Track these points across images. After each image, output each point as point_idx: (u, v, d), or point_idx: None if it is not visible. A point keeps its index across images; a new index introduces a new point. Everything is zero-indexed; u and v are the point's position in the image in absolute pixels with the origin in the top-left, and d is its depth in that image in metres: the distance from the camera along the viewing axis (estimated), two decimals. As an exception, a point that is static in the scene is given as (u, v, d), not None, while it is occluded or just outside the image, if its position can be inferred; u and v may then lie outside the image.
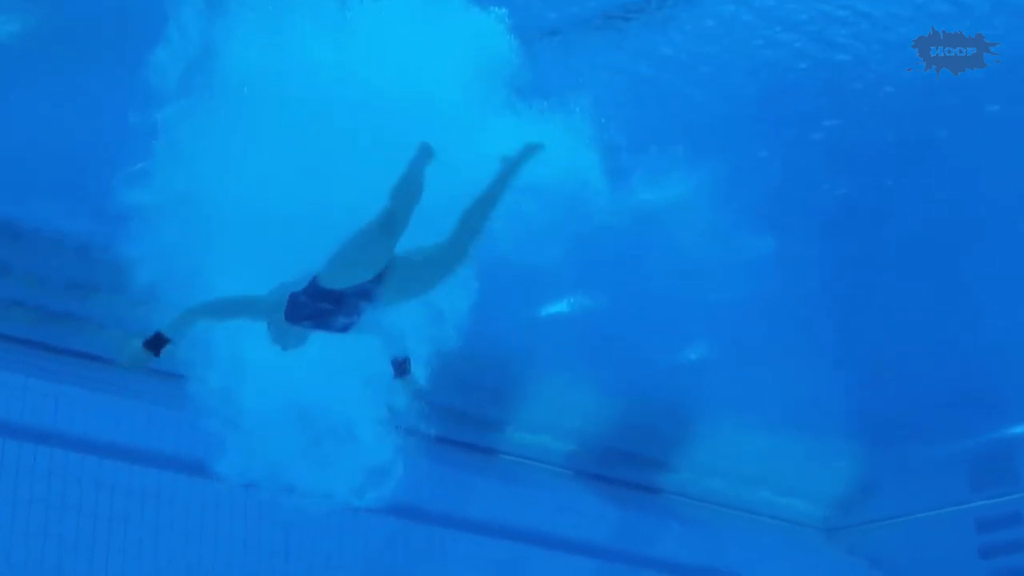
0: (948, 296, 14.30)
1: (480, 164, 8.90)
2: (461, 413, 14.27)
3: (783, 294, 13.97)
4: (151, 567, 12.29)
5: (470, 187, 8.81)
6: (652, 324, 14.15)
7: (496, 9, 9.63)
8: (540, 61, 10.22)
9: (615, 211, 10.33)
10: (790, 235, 13.29)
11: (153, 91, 9.64)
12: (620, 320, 14.02)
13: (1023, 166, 12.66)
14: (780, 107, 12.03)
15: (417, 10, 9.45)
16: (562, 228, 10.48)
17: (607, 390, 15.12)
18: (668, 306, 13.89)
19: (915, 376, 15.27)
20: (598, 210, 9.99)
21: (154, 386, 12.71)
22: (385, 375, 9.17)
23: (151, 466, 12.56)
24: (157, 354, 8.36)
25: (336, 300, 8.18)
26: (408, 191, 8.30)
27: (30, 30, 10.95)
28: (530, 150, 8.63)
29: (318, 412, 9.94)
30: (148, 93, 9.64)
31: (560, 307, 13.89)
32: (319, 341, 8.75)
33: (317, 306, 8.16)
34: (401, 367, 8.47)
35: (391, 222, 8.24)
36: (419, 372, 9.15)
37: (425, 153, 8.41)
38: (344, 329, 8.26)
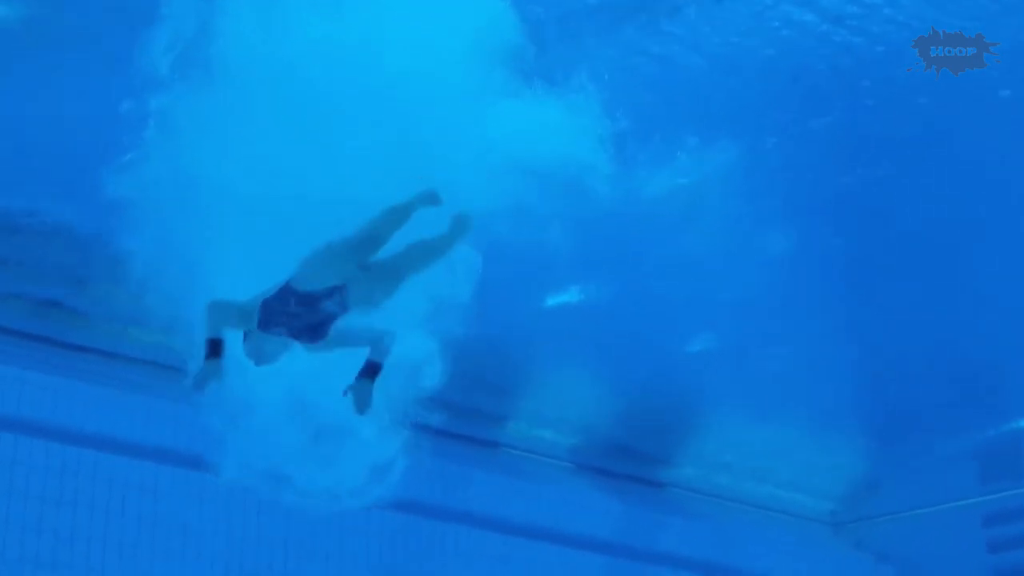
0: (955, 290, 14.23)
1: (481, 146, 8.77)
2: (463, 406, 14.17)
3: (790, 287, 13.91)
4: (148, 562, 12.22)
5: (471, 170, 8.68)
6: (657, 317, 14.11)
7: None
8: (547, 45, 10.09)
9: (620, 200, 10.23)
10: (798, 228, 13.26)
11: (148, 78, 9.56)
12: (624, 312, 13.99)
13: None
14: (788, 96, 11.97)
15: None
16: (566, 217, 10.39)
17: (611, 383, 15.06)
18: (673, 298, 13.84)
19: (923, 369, 15.21)
20: (603, 199, 9.89)
21: (152, 379, 12.82)
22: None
23: (149, 460, 12.48)
24: (219, 356, 8.34)
25: (307, 302, 8.30)
26: (395, 220, 8.54)
27: (21, 17, 10.83)
28: (466, 224, 8.81)
29: (318, 407, 9.96)
30: (144, 80, 9.56)
31: (564, 298, 13.85)
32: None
33: (288, 309, 8.26)
34: (370, 370, 8.35)
35: (371, 241, 8.49)
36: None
37: (429, 198, 8.63)
38: (316, 337, 8.35)
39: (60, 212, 12.06)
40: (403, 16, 9.12)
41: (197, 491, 12.45)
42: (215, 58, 9.40)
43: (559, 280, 13.61)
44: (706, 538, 15.62)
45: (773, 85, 11.77)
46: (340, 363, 8.96)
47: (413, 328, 9.91)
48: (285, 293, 8.35)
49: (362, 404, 8.28)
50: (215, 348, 8.34)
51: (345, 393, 8.27)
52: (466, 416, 14.48)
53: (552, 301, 13.85)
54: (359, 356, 8.66)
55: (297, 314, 8.31)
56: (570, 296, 13.81)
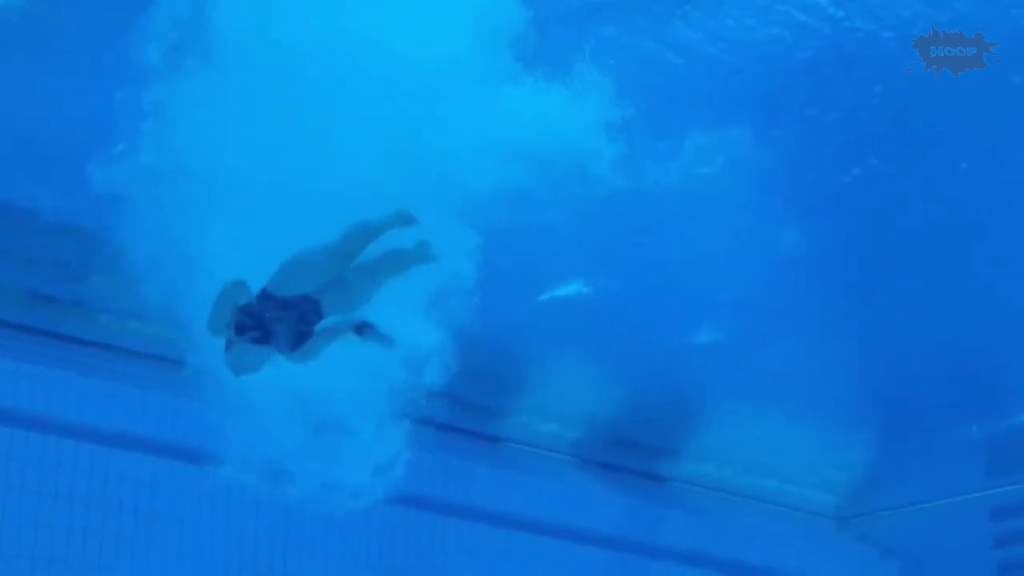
0: (959, 284, 14.25)
1: (484, 133, 8.66)
2: (464, 400, 14.18)
3: (794, 278, 13.90)
4: (146, 557, 12.15)
5: (473, 156, 8.57)
6: (660, 310, 14.11)
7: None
8: (552, 31, 9.99)
9: (624, 191, 10.15)
10: (802, 223, 13.27)
11: (144, 67, 9.48)
12: (628, 305, 13.99)
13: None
14: (796, 88, 11.95)
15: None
16: (569, 208, 10.31)
17: (613, 377, 15.04)
18: (676, 292, 13.87)
19: (928, 362, 15.20)
20: (607, 189, 9.81)
21: (151, 372, 12.72)
22: (383, 361, 9.24)
23: (148, 454, 12.38)
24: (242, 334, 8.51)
25: (282, 306, 8.46)
26: (368, 235, 8.65)
27: (16, 6, 10.74)
28: (426, 254, 8.95)
29: (319, 402, 10.03)
30: (139, 69, 9.48)
31: (566, 291, 13.85)
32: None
33: (264, 313, 8.41)
34: (362, 328, 8.62)
35: (340, 255, 8.60)
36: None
37: (403, 218, 8.72)
38: (294, 343, 8.52)
39: (56, 204, 11.99)
40: (405, 1, 9.00)
41: (195, 485, 12.37)
42: (212, 46, 9.31)
43: (561, 272, 13.61)
44: (709, 533, 15.54)
45: (781, 76, 11.78)
46: (340, 356, 8.97)
47: (414, 320, 9.83)
48: (262, 298, 8.48)
49: (380, 339, 8.54)
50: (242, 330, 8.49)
51: (361, 331, 8.49)
52: (467, 410, 14.47)
53: (554, 294, 13.85)
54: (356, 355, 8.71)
55: (274, 319, 8.43)
56: (573, 289, 13.81)
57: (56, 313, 12.82)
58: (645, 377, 14.98)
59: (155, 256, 9.99)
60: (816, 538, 16.44)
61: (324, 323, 8.55)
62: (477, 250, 10.06)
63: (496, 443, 15.03)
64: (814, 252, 13.59)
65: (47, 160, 11.52)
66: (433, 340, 10.28)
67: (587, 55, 9.69)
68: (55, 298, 12.76)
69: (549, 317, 13.97)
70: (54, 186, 11.82)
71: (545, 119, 9.10)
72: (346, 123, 8.78)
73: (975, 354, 15.11)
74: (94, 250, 11.74)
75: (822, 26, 11.45)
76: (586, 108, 9.42)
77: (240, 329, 8.43)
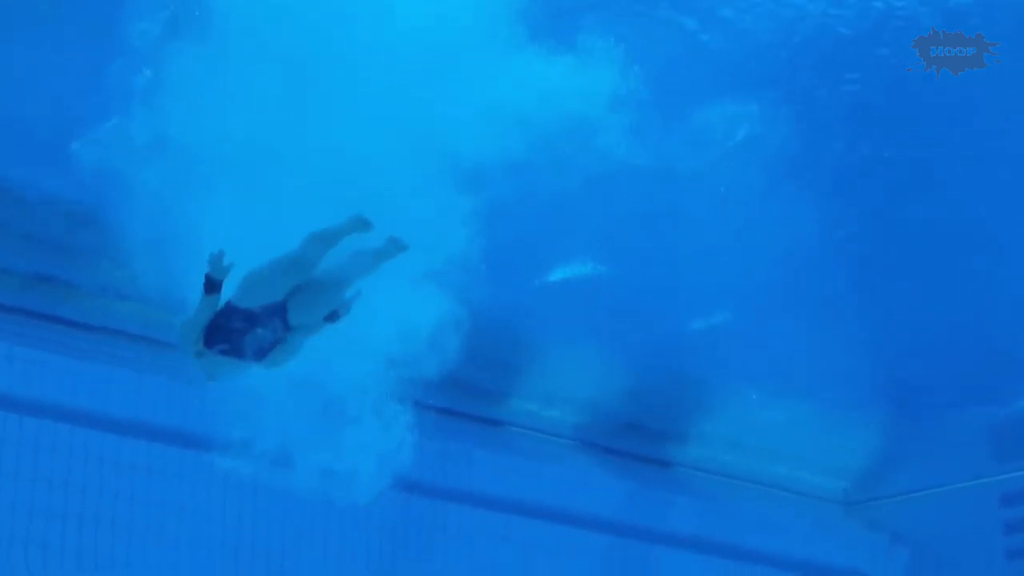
0: (973, 264, 14.17)
1: (490, 103, 8.50)
2: (464, 383, 14.02)
3: (802, 261, 13.81)
4: (141, 543, 12.10)
5: (478, 127, 8.41)
6: (665, 291, 14.03)
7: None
8: (560, 2, 9.80)
9: (630, 169, 10.05)
10: (811, 202, 13.16)
11: (140, 38, 9.36)
12: (632, 287, 13.92)
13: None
14: (808, 63, 11.82)
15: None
16: (573, 187, 10.20)
17: (617, 359, 14.96)
18: (683, 272, 13.77)
19: (938, 345, 15.11)
20: (613, 168, 9.69)
21: (146, 355, 12.61)
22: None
23: (143, 438, 12.33)
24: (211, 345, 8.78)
25: (248, 318, 8.62)
26: (324, 244, 8.80)
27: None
28: (399, 247, 9.11)
29: (320, 386, 10.03)
30: (135, 41, 9.36)
31: (569, 272, 13.77)
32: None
33: (231, 325, 8.59)
34: (331, 317, 8.92)
35: (301, 263, 8.76)
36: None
37: (359, 224, 8.85)
38: (262, 352, 8.73)
39: (50, 184, 11.91)
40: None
41: (192, 471, 12.30)
42: (209, 19, 9.19)
43: (566, 254, 13.54)
44: (714, 518, 15.50)
45: (792, 51, 11.63)
46: (345, 340, 9.03)
47: (416, 300, 9.75)
48: (227, 311, 8.62)
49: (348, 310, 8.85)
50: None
51: (332, 319, 8.79)
52: (468, 393, 14.40)
53: (558, 275, 13.78)
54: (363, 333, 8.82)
55: (241, 330, 8.62)
56: (577, 270, 13.74)
57: (51, 295, 12.74)
58: (650, 359, 14.91)
59: (151, 237, 9.98)
60: (824, 524, 16.36)
61: (293, 327, 8.72)
62: (480, 230, 9.97)
63: (497, 427, 14.95)
64: (822, 235, 13.55)
65: (40, 139, 11.41)
66: (435, 321, 10.17)
67: (596, 26, 9.52)
68: (50, 280, 12.69)
69: (553, 299, 13.91)
70: (48, 165, 11.72)
71: (552, 91, 8.97)
72: (350, 93, 8.67)
73: (986, 338, 15.02)
74: (89, 231, 11.73)
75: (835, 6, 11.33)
76: (594, 81, 9.27)
77: (209, 342, 8.61)
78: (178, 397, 11.96)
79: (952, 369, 15.36)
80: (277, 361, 8.79)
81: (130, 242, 10.20)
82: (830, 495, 16.67)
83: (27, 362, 12.05)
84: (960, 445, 16.14)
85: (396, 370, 10.27)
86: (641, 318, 14.29)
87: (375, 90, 8.66)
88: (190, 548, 12.28)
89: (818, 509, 16.54)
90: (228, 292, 8.68)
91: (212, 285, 8.47)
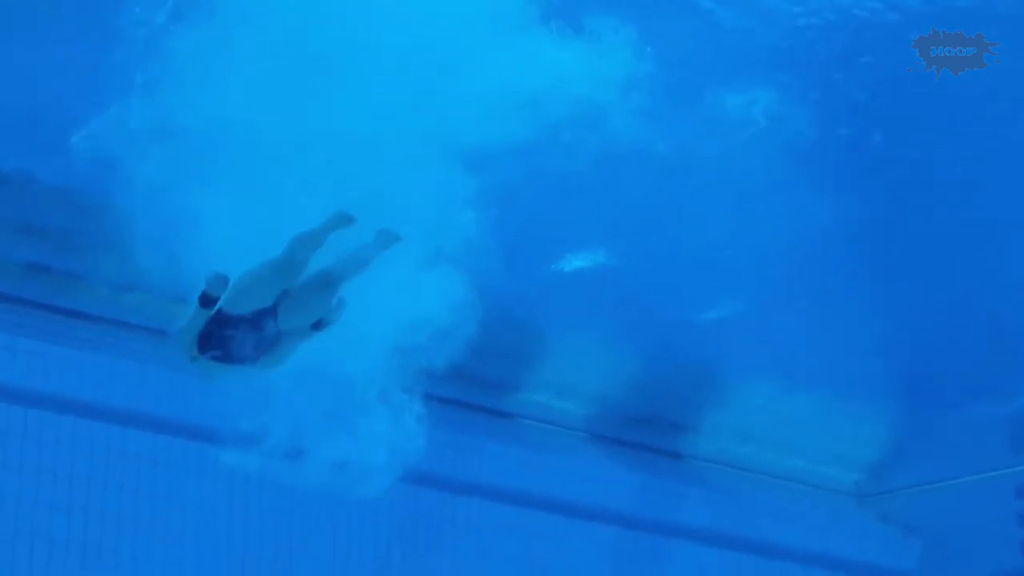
0: (988, 253, 14.10)
1: (497, 85, 8.38)
2: (473, 375, 13.88)
3: (815, 250, 13.77)
4: (145, 535, 12.05)
5: (486, 111, 8.31)
6: (676, 281, 13.95)
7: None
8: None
9: (640, 155, 9.95)
10: (823, 190, 13.09)
11: (143, 22, 9.28)
12: (642, 276, 13.84)
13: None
14: (823, 49, 11.70)
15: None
16: (582, 173, 10.12)
17: (627, 350, 14.90)
18: (693, 262, 13.70)
19: (953, 335, 15.02)
20: (623, 153, 9.58)
21: (150, 346, 12.53)
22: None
23: (147, 430, 12.28)
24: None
25: (239, 325, 8.76)
26: (310, 245, 8.88)
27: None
28: (392, 239, 9.16)
29: (329, 378, 9.92)
30: (138, 25, 9.28)
31: (579, 262, 13.72)
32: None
33: (223, 333, 8.71)
34: (318, 325, 9.06)
35: (289, 266, 8.85)
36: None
37: (341, 219, 8.92)
38: (255, 357, 8.88)
39: (49, 171, 11.84)
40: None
41: (197, 463, 12.26)
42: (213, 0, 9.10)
43: (575, 243, 13.49)
44: (725, 511, 15.43)
45: (808, 36, 11.47)
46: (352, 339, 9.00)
47: (422, 291, 9.66)
48: (219, 319, 8.75)
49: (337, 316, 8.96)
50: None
51: (318, 327, 8.94)
52: (476, 385, 14.34)
53: (568, 264, 13.73)
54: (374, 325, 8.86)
55: (233, 337, 8.74)
56: (587, 259, 13.70)
57: (52, 285, 12.69)
58: (660, 350, 14.86)
59: (155, 227, 9.95)
60: (836, 516, 16.25)
61: (284, 332, 8.87)
62: (488, 219, 9.91)
63: (506, 418, 14.90)
64: (835, 225, 13.48)
65: (40, 128, 11.35)
66: (444, 311, 10.13)
67: (607, 7, 9.41)
68: (51, 269, 12.64)
69: (562, 289, 13.86)
70: (48, 155, 11.59)
71: (561, 74, 8.87)
72: (352, 78, 8.59)
73: (999, 329, 14.96)
74: (91, 221, 11.63)
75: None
76: (605, 64, 9.17)
77: (202, 348, 8.76)
78: (182, 388, 11.83)
79: (966, 360, 15.28)
80: (270, 365, 8.94)
81: (133, 232, 10.11)
82: (843, 487, 16.60)
83: (30, 353, 11.99)
84: (974, 437, 16.06)
85: (405, 360, 10.21)
86: (652, 308, 14.22)
87: (380, 73, 8.59)
88: (196, 541, 12.22)
89: (831, 501, 16.46)
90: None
91: (208, 301, 8.61)
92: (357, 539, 13.06)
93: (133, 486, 12.08)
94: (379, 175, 8.85)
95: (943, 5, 11.16)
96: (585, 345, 14.68)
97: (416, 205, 9.09)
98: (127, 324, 12.81)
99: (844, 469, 16.52)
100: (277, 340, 8.81)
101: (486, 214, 9.86)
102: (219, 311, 8.75)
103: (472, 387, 14.18)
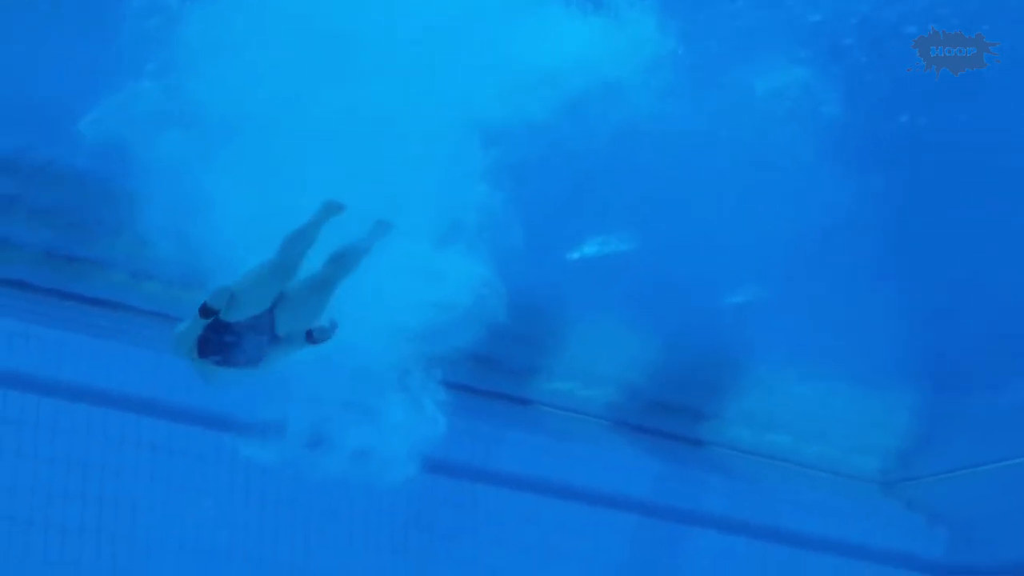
0: (1016, 236, 14.01)
1: (516, 61, 8.22)
2: (493, 362, 14.04)
3: (838, 232, 13.68)
4: (161, 523, 12.04)
5: (503, 88, 8.16)
6: (698, 266, 13.90)
7: None
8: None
9: (662, 137, 9.81)
10: (848, 173, 13.01)
11: (156, 8, 9.16)
12: (664, 261, 13.80)
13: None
14: (844, 28, 11.42)
15: None
16: (605, 157, 9.98)
17: (649, 336, 14.83)
18: (716, 245, 13.66)
19: (980, 321, 14.90)
20: (644, 134, 9.44)
21: (163, 333, 12.38)
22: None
23: (163, 418, 12.27)
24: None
25: (236, 332, 8.87)
26: (303, 242, 8.95)
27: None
28: (386, 228, 9.21)
29: (349, 367, 9.94)
30: (148, 4, 9.16)
31: (599, 247, 13.67)
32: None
33: (222, 339, 8.83)
34: (310, 336, 9.10)
35: (283, 268, 8.94)
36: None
37: (331, 209, 8.96)
38: (255, 361, 9.00)
39: (63, 156, 11.81)
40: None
41: (212, 450, 12.25)
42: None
43: (594, 226, 13.41)
44: (748, 498, 15.33)
45: (834, 13, 11.24)
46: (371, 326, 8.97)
47: (443, 276, 9.55)
48: (217, 326, 8.85)
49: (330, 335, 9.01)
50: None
51: (311, 338, 8.97)
52: (496, 372, 14.33)
53: (587, 249, 13.68)
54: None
55: (231, 343, 8.86)
56: (606, 243, 13.63)
57: (67, 272, 12.67)
58: (683, 337, 14.80)
59: (170, 211, 9.95)
60: (861, 504, 16.13)
61: (281, 337, 8.97)
62: (507, 204, 9.79)
63: (526, 406, 14.85)
64: (861, 207, 13.37)
65: (53, 112, 11.26)
66: (461, 298, 10.01)
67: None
68: (66, 256, 12.61)
69: (583, 274, 13.82)
70: (62, 139, 11.51)
71: (582, 51, 8.70)
72: (369, 54, 8.45)
73: (1026, 314, 14.86)
74: (106, 206, 11.72)
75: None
76: (627, 40, 9.00)
77: (201, 353, 8.89)
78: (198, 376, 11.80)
79: (992, 346, 15.15)
80: (269, 367, 9.03)
81: (149, 218, 10.10)
82: (868, 475, 16.49)
83: (44, 341, 11.98)
84: (1000, 423, 15.87)
85: (425, 348, 10.14)
86: (673, 293, 14.16)
87: (397, 50, 8.45)
88: (211, 530, 12.18)
89: (855, 489, 16.35)
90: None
91: (207, 312, 8.70)
92: (375, 527, 13.03)
93: (148, 474, 12.07)
94: (396, 157, 8.72)
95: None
96: (605, 331, 14.61)
97: (433, 187, 8.96)
98: (143, 311, 12.80)
99: (869, 456, 16.40)
100: (274, 345, 8.91)
101: (506, 198, 9.75)
102: (217, 319, 8.84)
103: (491, 374, 14.15)
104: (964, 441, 16.14)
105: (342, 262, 9.01)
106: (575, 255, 13.65)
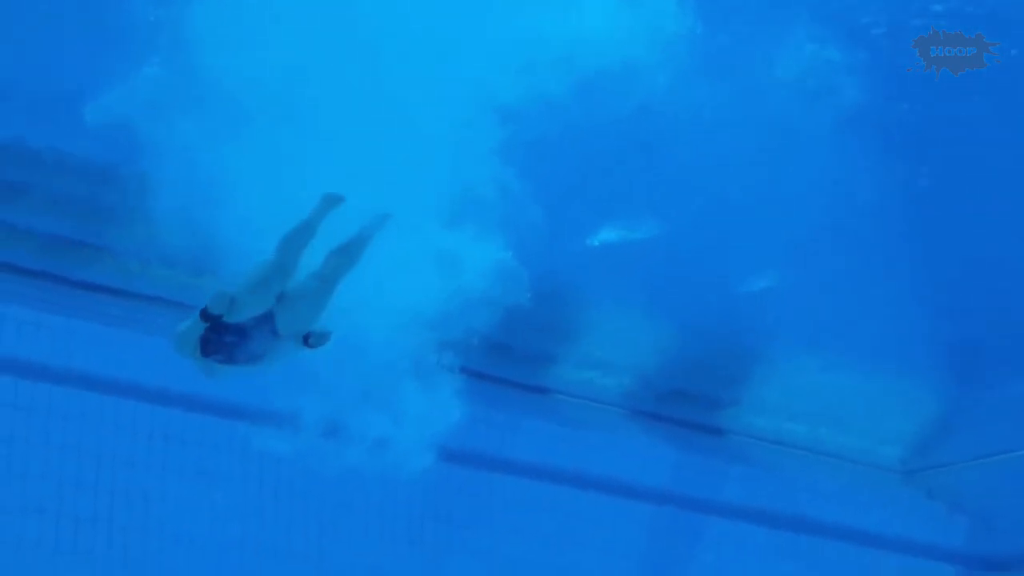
0: None
1: (531, 41, 8.09)
2: (509, 349, 13.94)
3: (858, 217, 13.63)
4: (174, 513, 11.97)
5: (519, 69, 8.02)
6: (716, 253, 13.87)
7: None
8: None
9: (679, 120, 9.66)
10: (866, 158, 12.98)
11: None
12: (682, 248, 13.76)
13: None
14: (868, 5, 11.27)
15: None
16: (622, 141, 9.84)
17: (667, 323, 14.73)
18: (735, 231, 13.59)
19: (999, 308, 14.86)
20: (661, 118, 9.29)
21: (177, 321, 12.32)
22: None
23: (176, 407, 12.18)
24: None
25: (238, 332, 8.94)
26: (302, 238, 9.03)
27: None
28: (383, 219, 9.25)
29: (364, 354, 9.94)
30: None
31: (616, 232, 13.58)
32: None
33: (223, 340, 8.92)
34: (307, 340, 9.18)
35: (283, 267, 9.01)
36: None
37: (331, 202, 9.01)
38: (256, 359, 9.10)
39: (74, 141, 11.65)
40: None
41: (226, 440, 12.17)
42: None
43: (611, 211, 13.30)
44: (766, 487, 15.25)
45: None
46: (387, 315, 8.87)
47: (457, 260, 9.45)
48: (218, 327, 8.93)
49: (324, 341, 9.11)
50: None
51: (308, 341, 9.05)
52: (512, 360, 14.24)
53: (603, 235, 13.60)
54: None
55: (232, 343, 8.95)
56: (623, 229, 13.54)
57: (78, 260, 12.57)
58: (701, 324, 14.69)
59: (182, 196, 9.91)
60: (881, 493, 16.06)
61: (282, 336, 9.03)
62: (523, 186, 9.65)
63: (543, 394, 14.76)
64: (882, 193, 13.36)
65: (62, 97, 11.18)
66: (477, 285, 9.91)
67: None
68: (78, 244, 12.51)
69: (599, 260, 13.72)
70: (72, 125, 11.36)
71: (599, 29, 8.55)
72: (382, 33, 8.31)
73: (1050, 300, 14.78)
74: (118, 192, 11.56)
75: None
76: (646, 17, 8.84)
77: (204, 352, 8.96)
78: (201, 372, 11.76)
79: (1013, 333, 15.09)
80: (271, 365, 9.14)
81: (159, 203, 10.10)
82: (887, 463, 16.38)
83: (56, 329, 11.89)
84: (1021, 411, 15.75)
85: (440, 336, 10.03)
86: (691, 279, 14.10)
87: (413, 27, 8.31)
88: (225, 520, 12.11)
89: (875, 477, 16.25)
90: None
91: (208, 316, 8.77)
92: (390, 517, 12.97)
93: (160, 464, 12.01)
94: (412, 136, 8.60)
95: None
96: (622, 318, 14.52)
97: (448, 169, 8.83)
98: (155, 299, 12.68)
99: (889, 444, 16.30)
100: (276, 344, 8.99)
101: (521, 183, 9.64)
102: (219, 321, 8.91)
103: (507, 362, 14.08)
104: (984, 429, 16.04)
105: (342, 257, 9.05)
106: (591, 241, 13.57)
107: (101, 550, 11.57)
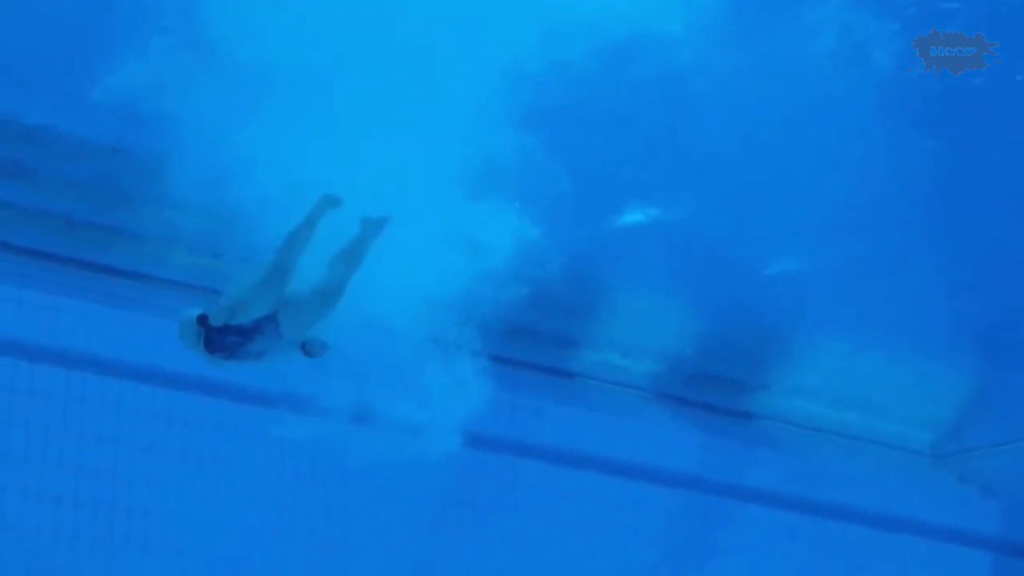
0: None
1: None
2: (533, 333, 13.87)
3: (888, 196, 13.43)
4: (192, 499, 12.00)
5: (535, 44, 7.87)
6: (743, 233, 13.68)
7: None
8: None
9: (705, 97, 9.47)
10: (894, 132, 12.79)
11: None
12: (708, 228, 13.58)
13: None
14: None
15: None
16: (647, 121, 9.67)
17: (693, 305, 14.58)
18: (760, 213, 13.40)
19: None
20: (687, 92, 9.11)
21: (191, 304, 12.25)
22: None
23: (192, 392, 12.14)
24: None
25: (242, 333, 9.05)
26: (300, 240, 9.08)
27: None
28: (382, 223, 9.31)
29: (387, 338, 9.84)
30: None
31: (642, 213, 13.41)
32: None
33: (226, 340, 9.04)
34: (304, 347, 9.25)
35: (282, 269, 9.07)
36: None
37: (327, 204, 9.07)
38: (258, 357, 9.20)
39: (82, 120, 11.57)
40: None
41: (245, 425, 12.13)
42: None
43: (636, 190, 13.12)
44: (795, 472, 15.13)
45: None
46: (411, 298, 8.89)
47: (481, 243, 9.47)
48: (221, 328, 9.06)
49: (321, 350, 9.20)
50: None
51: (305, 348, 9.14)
52: (536, 343, 14.14)
53: (628, 214, 13.40)
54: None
55: (237, 343, 9.06)
56: (648, 209, 13.37)
57: (93, 243, 12.49)
58: (728, 306, 14.52)
59: (197, 177, 9.86)
60: (911, 477, 15.89)
61: (286, 337, 9.11)
62: (545, 168, 9.49)
63: (567, 378, 14.64)
64: (914, 173, 13.18)
65: (73, 76, 11.07)
66: (500, 266, 9.80)
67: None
68: (92, 226, 12.41)
69: (624, 240, 13.56)
70: (86, 105, 11.14)
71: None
72: (408, 4, 8.16)
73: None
74: (134, 172, 11.50)
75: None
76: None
77: (208, 349, 9.10)
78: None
79: (1048, 314, 14.95)
80: (275, 363, 9.22)
81: (175, 184, 10.02)
82: (917, 447, 16.15)
83: (73, 313, 11.89)
84: (1058, 392, 15.70)
85: (464, 318, 9.92)
86: (719, 260, 13.93)
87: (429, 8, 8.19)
88: (244, 505, 12.09)
89: (906, 462, 16.03)
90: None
91: (204, 323, 8.93)
92: (413, 502, 12.95)
93: (179, 449, 12.00)
94: (431, 110, 8.44)
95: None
96: (649, 300, 14.37)
97: (469, 143, 8.67)
98: (171, 282, 12.64)
99: (920, 429, 16.07)
100: (279, 344, 9.08)
101: (545, 162, 9.48)
102: (222, 324, 9.04)
103: (531, 345, 13.99)
104: (1017, 413, 15.81)
105: (344, 263, 9.08)
106: (615, 222, 13.43)
107: (119, 537, 11.55)
